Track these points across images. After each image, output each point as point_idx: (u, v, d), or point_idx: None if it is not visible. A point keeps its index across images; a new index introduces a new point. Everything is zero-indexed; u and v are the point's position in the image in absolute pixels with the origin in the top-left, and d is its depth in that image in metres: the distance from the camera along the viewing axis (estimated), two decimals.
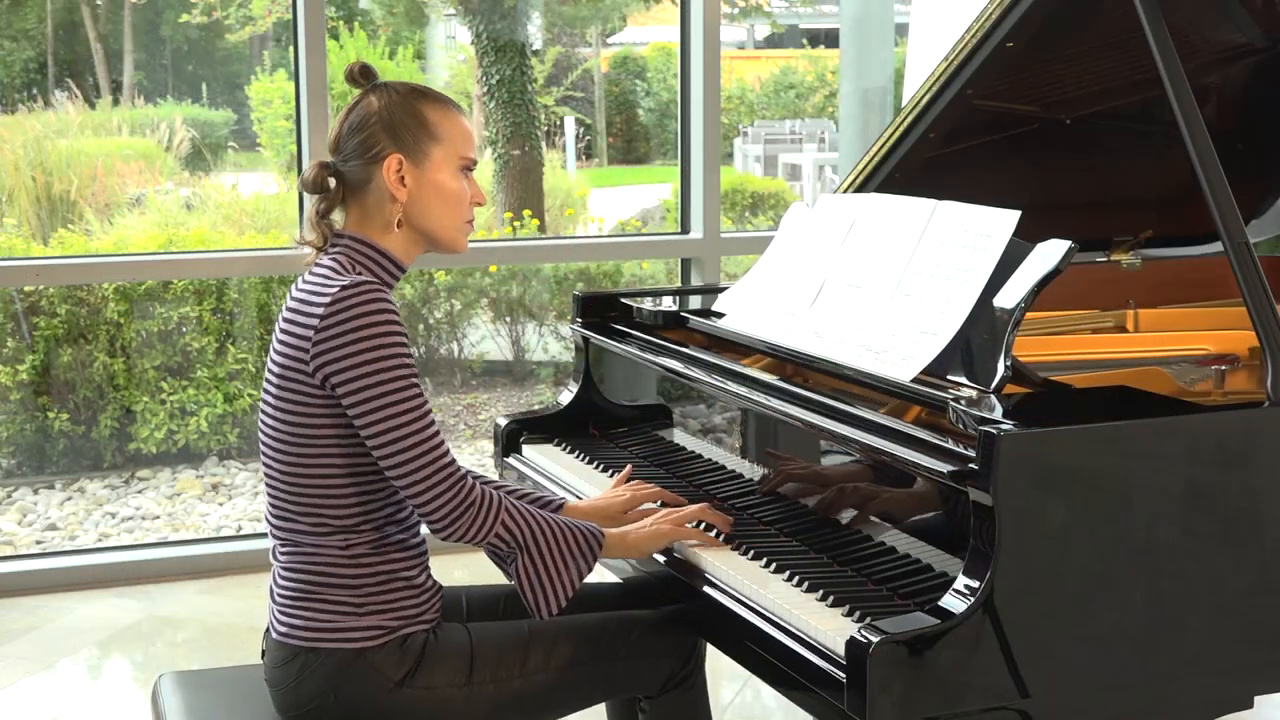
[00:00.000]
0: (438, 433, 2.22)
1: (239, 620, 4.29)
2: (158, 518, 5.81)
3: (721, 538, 2.44)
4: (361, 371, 2.17)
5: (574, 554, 2.30)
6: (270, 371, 2.30)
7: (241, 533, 5.68)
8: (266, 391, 2.30)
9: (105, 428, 5.99)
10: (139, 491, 5.99)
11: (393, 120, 2.30)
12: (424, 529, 2.29)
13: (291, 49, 4.76)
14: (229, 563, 4.76)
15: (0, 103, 7.73)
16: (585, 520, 2.42)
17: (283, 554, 2.31)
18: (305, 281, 2.29)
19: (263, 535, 5.24)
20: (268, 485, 2.31)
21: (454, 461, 2.23)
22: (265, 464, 2.32)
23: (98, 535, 5.64)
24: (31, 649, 4.09)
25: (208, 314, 6.09)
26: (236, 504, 5.94)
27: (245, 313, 6.24)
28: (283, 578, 2.31)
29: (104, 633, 4.20)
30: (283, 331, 2.27)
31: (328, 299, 2.20)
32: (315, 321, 2.20)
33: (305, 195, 2.34)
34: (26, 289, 5.81)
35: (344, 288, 2.19)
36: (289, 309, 2.27)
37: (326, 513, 2.26)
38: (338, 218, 2.37)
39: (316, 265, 2.31)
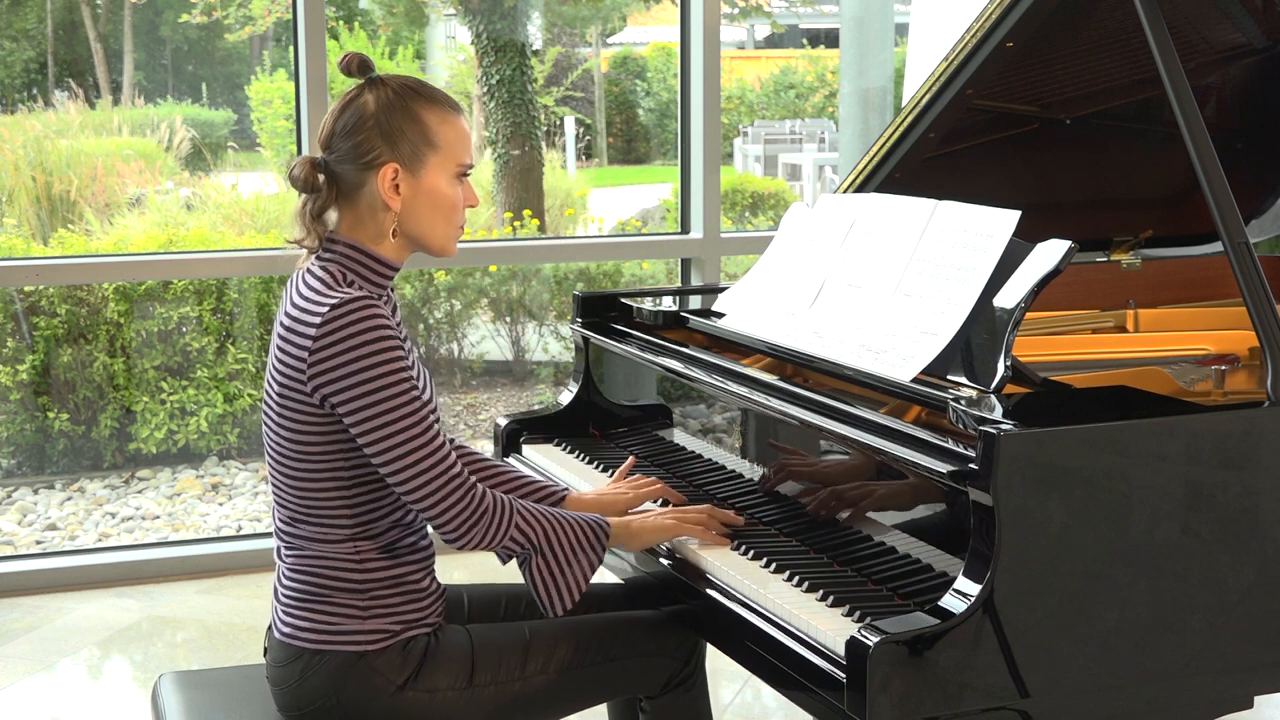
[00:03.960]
0: (442, 444, 2.21)
1: (239, 620, 4.29)
2: (158, 518, 5.81)
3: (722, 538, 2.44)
4: (358, 391, 2.15)
5: (585, 549, 2.30)
6: (270, 382, 2.27)
7: (241, 533, 5.68)
8: (268, 403, 2.28)
9: (105, 428, 5.99)
10: (139, 491, 5.99)
11: (390, 126, 2.23)
12: (431, 530, 2.29)
13: (291, 49, 4.76)
14: (229, 563, 4.76)
15: (0, 103, 7.72)
16: (590, 512, 2.42)
17: (289, 556, 2.31)
18: (299, 295, 2.24)
19: (262, 535, 5.25)
20: (274, 490, 2.31)
21: (461, 471, 2.22)
22: (271, 471, 2.30)
23: (98, 535, 5.64)
24: (31, 649, 4.09)
25: (208, 314, 6.09)
26: (236, 504, 5.94)
27: (245, 313, 6.24)
28: (288, 579, 2.30)
29: (104, 633, 4.20)
30: (279, 346, 2.24)
31: (319, 319, 2.16)
32: (309, 342, 2.17)
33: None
34: (26, 289, 5.81)
35: (334, 307, 2.16)
36: (284, 323, 2.23)
37: (333, 520, 2.25)
38: (330, 216, 2.31)
39: (309, 274, 2.26)
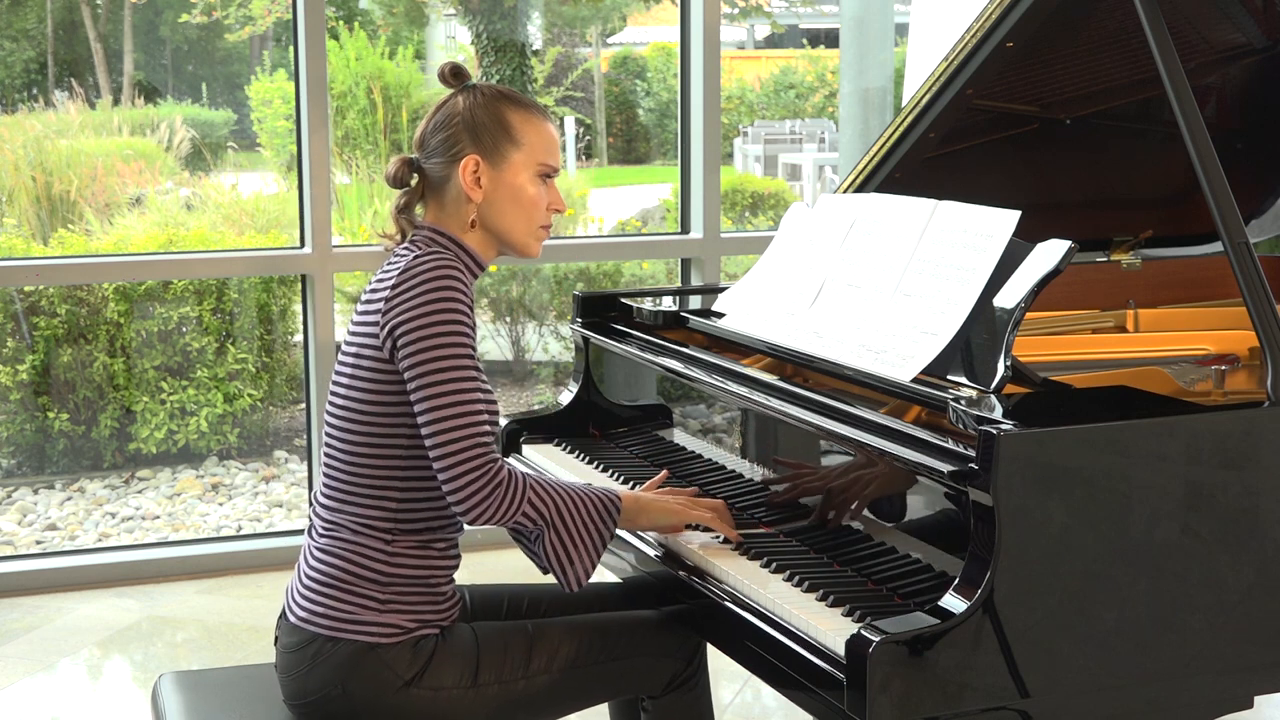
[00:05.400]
0: (482, 410, 2.25)
1: (239, 620, 4.29)
2: (158, 518, 5.81)
3: (722, 538, 2.44)
4: (423, 333, 2.22)
5: (598, 522, 2.33)
6: (342, 362, 2.35)
7: (241, 533, 5.68)
8: (337, 382, 2.35)
9: (105, 428, 5.99)
10: (139, 491, 5.99)
11: (475, 122, 2.35)
12: (461, 538, 2.32)
13: (291, 49, 4.76)
14: (229, 563, 4.76)
15: (0, 103, 7.72)
16: (603, 487, 2.42)
17: (322, 537, 2.33)
18: (381, 270, 2.35)
19: (262, 535, 5.26)
20: (325, 471, 2.35)
21: (490, 440, 2.25)
22: (327, 450, 2.35)
23: (98, 535, 5.64)
24: (31, 649, 4.09)
25: (208, 314, 6.09)
26: (236, 504, 5.94)
27: (245, 313, 6.24)
28: (315, 560, 2.33)
29: (104, 633, 4.20)
30: (359, 312, 2.33)
31: (400, 267, 2.27)
32: (388, 290, 2.26)
33: (389, 189, 2.43)
34: (26, 289, 5.81)
35: (418, 257, 2.27)
36: (364, 297, 2.33)
37: (378, 502, 2.29)
38: (417, 212, 2.42)
39: (393, 255, 2.37)
